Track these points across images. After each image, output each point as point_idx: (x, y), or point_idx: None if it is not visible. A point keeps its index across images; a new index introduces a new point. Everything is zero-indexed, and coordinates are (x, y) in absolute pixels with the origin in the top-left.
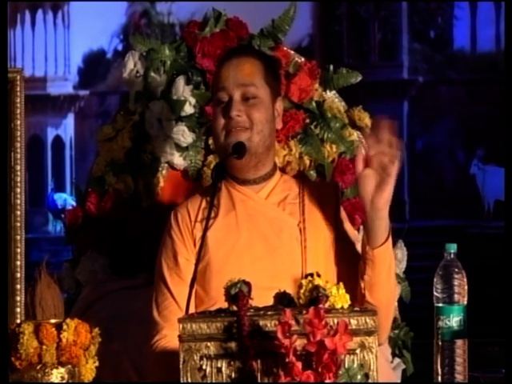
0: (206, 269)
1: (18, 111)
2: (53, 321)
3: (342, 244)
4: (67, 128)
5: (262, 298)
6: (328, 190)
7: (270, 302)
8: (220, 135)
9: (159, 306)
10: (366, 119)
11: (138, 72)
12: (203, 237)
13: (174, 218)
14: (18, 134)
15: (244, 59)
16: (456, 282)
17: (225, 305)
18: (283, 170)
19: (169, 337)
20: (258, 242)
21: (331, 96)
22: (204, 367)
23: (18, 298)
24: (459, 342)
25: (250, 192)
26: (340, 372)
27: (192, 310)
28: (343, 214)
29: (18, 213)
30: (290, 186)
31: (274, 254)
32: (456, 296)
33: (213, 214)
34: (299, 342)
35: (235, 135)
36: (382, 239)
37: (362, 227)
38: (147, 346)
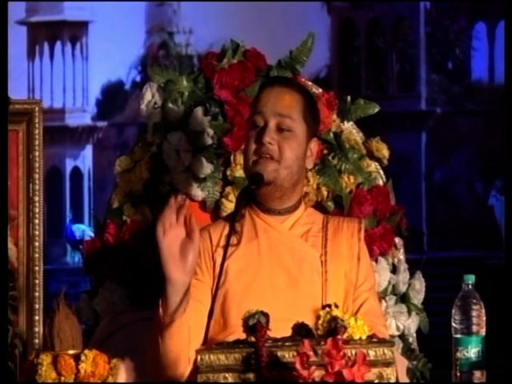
0: (225, 297)
1: (37, 142)
2: (71, 352)
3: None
4: (85, 159)
5: (281, 330)
6: (352, 226)
7: (290, 334)
8: (249, 160)
9: None
10: (383, 150)
11: (155, 103)
12: (222, 264)
13: None
14: (37, 165)
15: (286, 90)
16: (474, 313)
17: (244, 334)
18: None
19: None
20: (279, 273)
21: (349, 127)
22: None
23: (37, 329)
24: (477, 374)
25: (274, 222)
26: None
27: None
28: (366, 251)
29: (37, 244)
30: (314, 219)
31: (295, 286)
32: (474, 327)
33: (235, 241)
34: (317, 373)
35: (263, 164)
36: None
37: (379, 258)
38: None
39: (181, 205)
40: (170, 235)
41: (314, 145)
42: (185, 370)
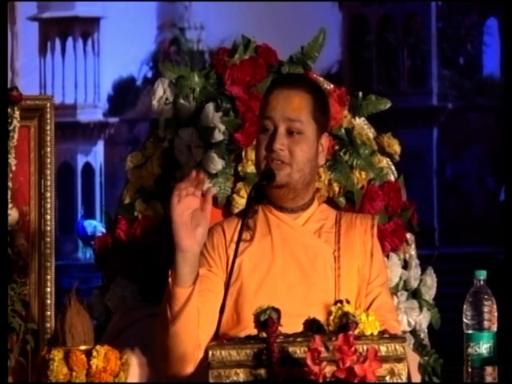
0: (239, 293)
1: (48, 138)
2: (83, 347)
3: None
4: (97, 155)
5: (294, 325)
6: (365, 222)
7: (302, 329)
8: (261, 163)
9: None
10: (395, 146)
11: (167, 99)
12: (234, 260)
13: (208, 236)
14: (48, 161)
15: (294, 91)
16: (486, 309)
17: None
18: None
19: None
20: (292, 268)
21: (360, 123)
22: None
23: (48, 325)
24: (489, 369)
25: (287, 218)
26: None
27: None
28: (379, 247)
29: (48, 240)
30: (327, 215)
31: (308, 281)
32: (486, 323)
33: (248, 237)
34: (329, 369)
35: (275, 168)
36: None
37: (391, 254)
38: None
39: (200, 180)
40: (184, 204)
41: (325, 140)
42: (194, 354)
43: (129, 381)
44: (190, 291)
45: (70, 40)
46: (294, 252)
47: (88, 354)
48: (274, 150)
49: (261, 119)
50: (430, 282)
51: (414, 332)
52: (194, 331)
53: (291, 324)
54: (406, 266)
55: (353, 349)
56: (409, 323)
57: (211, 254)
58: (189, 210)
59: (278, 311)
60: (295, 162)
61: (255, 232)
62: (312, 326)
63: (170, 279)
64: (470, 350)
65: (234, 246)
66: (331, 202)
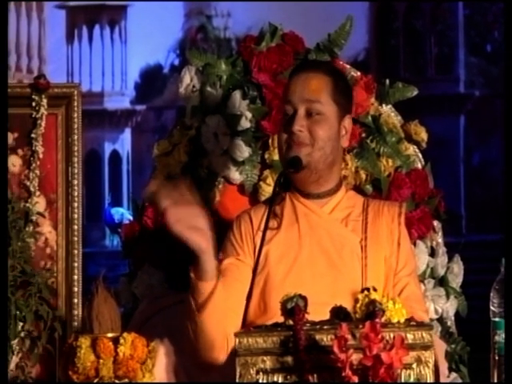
0: (266, 281)
1: (76, 126)
2: (110, 335)
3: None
4: (124, 143)
5: (320, 313)
6: (392, 210)
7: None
8: (282, 148)
9: None
10: (422, 133)
11: (194, 87)
12: (260, 248)
13: (236, 224)
14: (76, 148)
15: (312, 74)
16: None
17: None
18: None
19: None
20: (319, 257)
21: (387, 110)
22: (260, 381)
23: (76, 312)
24: None
25: (314, 206)
26: None
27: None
28: (406, 235)
29: (76, 227)
30: (355, 202)
31: (334, 270)
32: None
33: (276, 225)
34: (355, 357)
35: (295, 150)
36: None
37: (418, 241)
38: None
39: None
40: (176, 213)
41: (348, 122)
42: (224, 343)
43: (156, 368)
44: (213, 284)
45: (97, 28)
46: (320, 241)
47: (115, 341)
48: (294, 131)
49: (282, 106)
50: (457, 269)
51: (440, 319)
52: (220, 322)
53: (317, 313)
54: (433, 253)
55: (379, 336)
56: (436, 311)
57: (239, 242)
58: (182, 214)
59: (304, 299)
60: (315, 141)
61: (282, 220)
62: (339, 314)
63: (192, 274)
64: (496, 337)
65: (261, 233)
66: (358, 189)
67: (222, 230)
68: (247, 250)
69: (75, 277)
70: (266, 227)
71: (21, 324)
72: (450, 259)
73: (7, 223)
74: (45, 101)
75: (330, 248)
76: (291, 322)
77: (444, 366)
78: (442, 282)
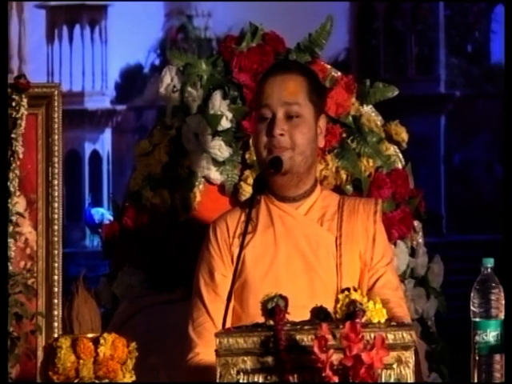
0: (243, 286)
1: (56, 126)
2: (90, 335)
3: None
4: (104, 143)
5: (299, 316)
6: (368, 208)
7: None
8: (262, 152)
9: (194, 322)
10: (402, 133)
11: (174, 87)
12: (239, 254)
13: (212, 232)
14: (56, 148)
15: (288, 76)
16: (493, 297)
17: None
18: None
19: (201, 355)
20: (295, 259)
21: (368, 110)
22: (241, 382)
23: (56, 313)
24: (496, 357)
25: (289, 208)
26: None
27: (228, 325)
28: (382, 231)
29: (56, 227)
30: (330, 201)
31: (311, 272)
32: (493, 310)
33: (251, 229)
34: (336, 357)
35: (276, 154)
36: None
37: (398, 241)
38: (182, 361)
39: None
40: None
41: (323, 121)
42: None
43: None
44: None
45: (77, 27)
46: (296, 243)
47: (95, 341)
48: (275, 135)
49: (257, 109)
50: (438, 269)
51: (421, 320)
52: None
53: (296, 315)
54: (413, 253)
55: (360, 336)
56: (416, 311)
57: (217, 251)
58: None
59: (285, 299)
60: (296, 146)
61: (258, 223)
62: (319, 314)
63: None
64: (477, 337)
65: (237, 241)
66: (339, 189)
67: (202, 230)
68: (226, 261)
69: (55, 277)
70: (245, 233)
71: None
72: (431, 259)
73: (7, 223)
74: (25, 101)
75: (306, 249)
76: (272, 322)
77: (424, 367)
78: (422, 282)
